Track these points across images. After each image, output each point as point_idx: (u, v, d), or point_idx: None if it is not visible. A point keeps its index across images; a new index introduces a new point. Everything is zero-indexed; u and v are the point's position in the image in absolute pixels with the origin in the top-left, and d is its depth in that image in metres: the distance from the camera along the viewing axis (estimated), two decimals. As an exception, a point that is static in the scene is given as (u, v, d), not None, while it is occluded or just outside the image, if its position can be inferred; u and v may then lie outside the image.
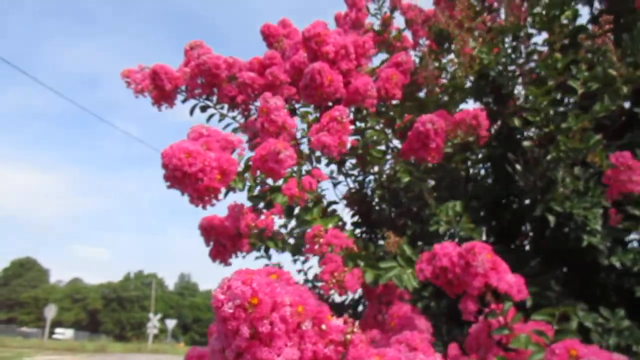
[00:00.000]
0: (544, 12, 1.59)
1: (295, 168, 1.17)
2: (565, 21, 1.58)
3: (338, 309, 1.83)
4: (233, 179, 1.02)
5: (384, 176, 1.58)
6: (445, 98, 1.63)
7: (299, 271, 1.85)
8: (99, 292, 42.83)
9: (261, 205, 1.10)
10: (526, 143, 1.31)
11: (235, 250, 1.27)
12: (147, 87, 1.57)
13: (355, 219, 1.89)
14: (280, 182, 1.10)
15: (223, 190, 1.01)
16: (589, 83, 1.22)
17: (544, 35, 1.67)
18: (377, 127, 1.50)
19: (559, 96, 1.25)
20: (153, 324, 28.90)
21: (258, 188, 1.15)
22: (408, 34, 2.23)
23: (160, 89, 1.52)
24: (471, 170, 1.84)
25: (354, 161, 1.72)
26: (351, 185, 1.85)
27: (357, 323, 0.62)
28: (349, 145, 1.62)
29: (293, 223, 1.39)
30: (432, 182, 1.61)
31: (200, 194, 0.93)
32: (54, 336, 32.21)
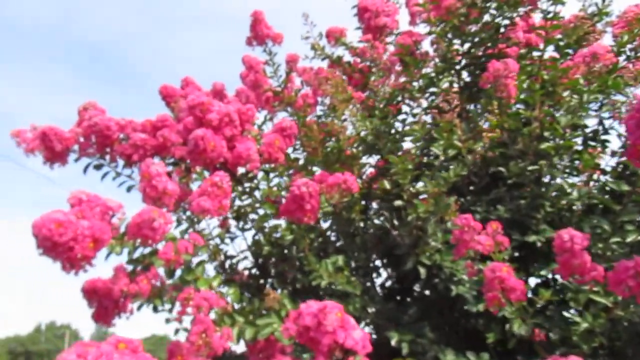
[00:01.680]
0: (420, 83, 1.79)
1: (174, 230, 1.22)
2: (440, 90, 1.79)
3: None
4: (110, 243, 1.06)
5: (266, 232, 1.66)
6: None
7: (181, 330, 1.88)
8: (5, 346, 39.30)
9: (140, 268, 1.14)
10: (397, 202, 1.45)
11: (119, 312, 1.29)
12: (38, 147, 1.58)
13: (254, 271, 1.96)
14: (160, 245, 1.15)
15: (99, 255, 1.05)
16: (447, 150, 1.38)
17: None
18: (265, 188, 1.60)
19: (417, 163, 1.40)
20: (64, 381, 26.76)
21: (140, 251, 1.19)
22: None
23: (50, 149, 1.53)
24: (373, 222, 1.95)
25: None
26: (249, 240, 1.92)
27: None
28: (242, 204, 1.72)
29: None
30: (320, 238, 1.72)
31: (73, 262, 0.96)
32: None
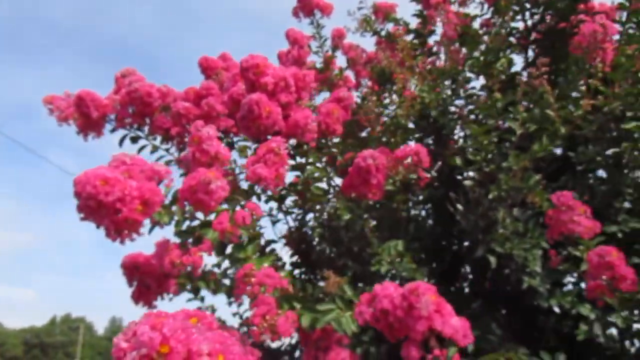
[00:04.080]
0: (481, 58, 1.64)
1: (228, 203, 1.09)
2: (500, 67, 1.63)
3: (274, 356, 1.72)
4: (158, 211, 0.92)
5: (325, 214, 1.52)
6: (384, 138, 1.62)
7: (235, 314, 1.74)
8: (19, 337, 39.76)
9: (190, 241, 1.01)
10: (467, 182, 1.30)
11: (161, 292, 1.16)
12: (72, 114, 1.46)
13: (295, 259, 1.82)
14: (211, 216, 1.02)
15: (147, 224, 0.92)
16: (527, 124, 1.23)
17: (481, 80, 1.72)
18: (319, 164, 1.46)
19: (496, 137, 1.25)
20: (78, 372, 27.06)
21: (187, 223, 1.05)
22: (350, 74, 2.25)
23: (85, 116, 1.41)
24: (412, 212, 1.82)
25: (294, 199, 1.66)
26: (291, 223, 1.78)
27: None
28: (288, 181, 1.57)
29: (227, 262, 1.30)
30: (373, 222, 1.57)
31: (119, 227, 0.83)
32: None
